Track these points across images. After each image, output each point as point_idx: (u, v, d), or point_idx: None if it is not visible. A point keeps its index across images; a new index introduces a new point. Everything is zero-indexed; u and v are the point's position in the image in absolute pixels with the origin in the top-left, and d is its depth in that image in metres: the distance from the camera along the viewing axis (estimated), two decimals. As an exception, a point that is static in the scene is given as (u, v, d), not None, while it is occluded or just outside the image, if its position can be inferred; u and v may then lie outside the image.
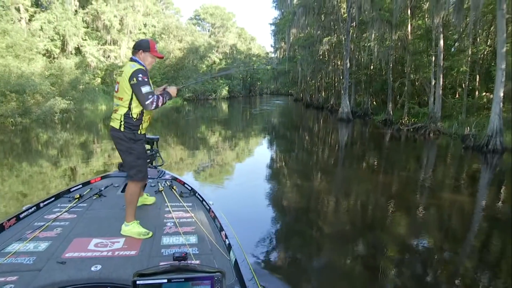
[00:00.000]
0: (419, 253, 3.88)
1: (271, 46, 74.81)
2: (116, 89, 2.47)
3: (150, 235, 2.41)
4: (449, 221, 5.15)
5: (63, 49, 25.99)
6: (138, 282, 1.24)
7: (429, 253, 3.87)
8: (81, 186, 3.55)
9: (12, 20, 21.12)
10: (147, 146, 3.68)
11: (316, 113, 26.85)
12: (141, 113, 2.46)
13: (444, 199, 5.96)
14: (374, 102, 23.11)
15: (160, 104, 2.40)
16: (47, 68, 20.27)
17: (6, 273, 1.75)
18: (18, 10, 22.69)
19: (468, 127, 11.56)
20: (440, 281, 3.29)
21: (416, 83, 18.58)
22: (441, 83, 14.29)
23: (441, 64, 14.15)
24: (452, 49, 16.99)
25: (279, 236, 4.29)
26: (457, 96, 17.49)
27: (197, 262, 1.98)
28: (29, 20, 23.74)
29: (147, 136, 3.49)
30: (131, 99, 2.38)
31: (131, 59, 2.47)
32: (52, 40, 24.54)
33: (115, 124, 2.44)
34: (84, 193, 3.28)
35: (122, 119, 2.41)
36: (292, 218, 5.00)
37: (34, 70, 18.27)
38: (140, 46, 2.48)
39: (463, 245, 4.24)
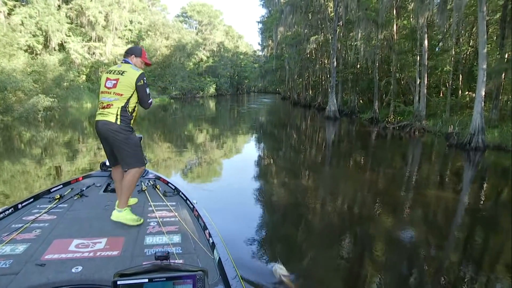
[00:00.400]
0: (404, 248, 3.96)
1: (259, 44, 75.00)
2: (111, 85, 2.59)
3: (141, 221, 2.45)
4: (434, 216, 5.28)
5: (46, 45, 25.34)
6: (118, 282, 1.21)
7: (414, 247, 3.95)
8: (61, 186, 3.47)
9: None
10: None
11: (303, 111, 27.01)
12: (134, 109, 2.67)
13: (429, 195, 6.11)
14: (361, 101, 23.41)
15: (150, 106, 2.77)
16: (29, 65, 19.74)
17: None
18: (-3, 3, 22.00)
19: (452, 125, 11.84)
20: (425, 275, 3.35)
21: (402, 82, 18.91)
22: (425, 82, 14.59)
23: (426, 64, 14.45)
24: (437, 49, 17.36)
25: (264, 234, 4.28)
26: (441, 95, 17.91)
27: (181, 261, 1.97)
28: (8, 14, 22.99)
29: None
30: (131, 96, 2.59)
31: (125, 61, 2.73)
32: (34, 36, 23.87)
33: (110, 118, 2.54)
34: (65, 194, 3.20)
35: (119, 113, 2.55)
36: (277, 216, 5.00)
37: (15, 66, 17.77)
38: (134, 52, 2.79)
39: (447, 239, 4.34)
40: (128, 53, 2.78)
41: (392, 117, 16.32)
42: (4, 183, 6.45)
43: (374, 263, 3.59)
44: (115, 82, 2.58)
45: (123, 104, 2.57)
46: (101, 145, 2.78)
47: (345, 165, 9.01)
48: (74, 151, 9.73)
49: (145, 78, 2.64)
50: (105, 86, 2.62)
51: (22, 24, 23.04)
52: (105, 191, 3.45)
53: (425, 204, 5.62)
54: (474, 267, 3.58)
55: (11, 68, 17.06)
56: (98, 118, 2.60)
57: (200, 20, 53.50)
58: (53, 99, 18.09)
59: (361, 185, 6.80)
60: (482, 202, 5.87)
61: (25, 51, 22.56)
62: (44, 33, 24.55)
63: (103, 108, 2.59)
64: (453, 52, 15.28)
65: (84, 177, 3.82)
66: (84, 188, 3.35)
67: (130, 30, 37.40)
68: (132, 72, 2.60)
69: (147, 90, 2.68)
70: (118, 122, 2.54)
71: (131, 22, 37.21)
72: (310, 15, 23.67)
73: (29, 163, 8.11)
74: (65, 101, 22.13)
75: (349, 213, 5.19)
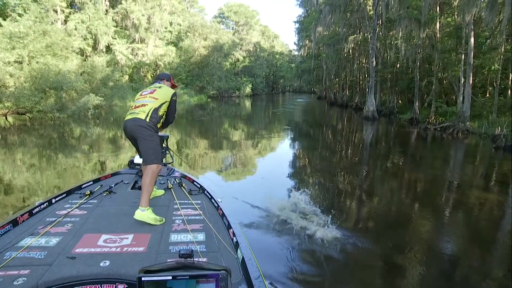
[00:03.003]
0: (445, 254, 3.89)
1: (294, 43, 74.74)
2: (147, 93, 2.95)
3: (163, 221, 2.56)
4: (478, 222, 5.13)
5: (94, 48, 27.13)
6: (143, 278, 1.25)
7: (455, 254, 3.88)
8: (91, 182, 3.59)
9: (51, 22, 22.30)
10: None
11: (340, 111, 26.70)
12: (163, 115, 2.96)
13: (472, 199, 5.97)
14: (400, 101, 22.77)
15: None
16: (81, 66, 21.21)
17: (19, 267, 1.82)
18: (55, 11, 23.90)
19: (500, 127, 11.32)
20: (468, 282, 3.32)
21: (444, 82, 18.20)
22: (470, 81, 13.99)
23: (471, 62, 13.85)
24: (483, 47, 16.53)
25: (290, 235, 4.13)
26: (487, 95, 17.02)
27: (204, 259, 1.99)
28: (65, 20, 24.93)
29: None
30: (163, 103, 2.90)
31: (159, 83, 3.11)
32: (84, 39, 25.66)
33: (141, 115, 2.78)
34: (95, 190, 3.32)
35: (150, 112, 2.80)
36: (308, 219, 4.72)
37: (69, 68, 19.22)
38: (165, 77, 3.22)
39: (491, 246, 4.23)
40: (160, 78, 3.20)
41: (433, 118, 15.79)
42: (57, 173, 7.17)
43: (414, 269, 3.57)
44: (152, 91, 2.94)
45: (156, 106, 2.83)
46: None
47: (385, 166, 8.87)
48: (117, 147, 10.34)
49: (177, 96, 3.06)
50: (141, 95, 2.97)
51: (75, 29, 24.87)
52: (132, 188, 3.54)
53: (469, 209, 5.49)
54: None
55: (66, 69, 18.47)
56: (128, 117, 2.83)
57: (237, 21, 54.28)
58: (101, 98, 19.34)
59: (400, 188, 6.77)
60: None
61: (77, 53, 24.29)
62: (93, 36, 26.29)
63: (136, 107, 2.87)
64: (503, 50, 14.50)
65: (112, 174, 3.96)
66: (113, 185, 3.46)
67: (170, 31, 38.82)
68: (168, 88, 3.01)
69: (176, 106, 3.04)
70: (147, 120, 2.77)
71: (171, 23, 38.56)
72: (348, 14, 23.38)
73: (79, 156, 8.86)
74: (111, 99, 23.49)
75: (386, 217, 5.10)
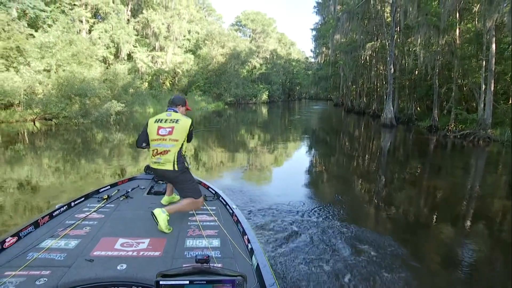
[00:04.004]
0: (464, 266, 3.83)
1: (311, 50, 74.91)
2: (165, 133, 2.86)
3: (171, 230, 2.58)
4: (499, 231, 5.08)
5: (116, 56, 28.06)
6: (161, 282, 1.29)
7: (474, 265, 3.83)
8: (109, 187, 3.70)
9: (76, 32, 23.33)
10: None
11: (357, 118, 26.60)
12: (185, 149, 3.00)
13: (494, 208, 5.93)
14: (418, 108, 22.50)
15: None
16: (104, 74, 22.00)
17: (41, 267, 1.90)
18: (81, 21, 24.96)
19: (522, 134, 11.11)
20: None
21: (464, 88, 17.92)
22: (492, 88, 13.77)
23: (493, 69, 13.64)
24: (506, 53, 16.24)
25: (305, 243, 4.07)
26: (510, 101, 16.66)
27: (219, 265, 2.00)
28: (89, 30, 25.98)
29: None
30: (185, 140, 2.91)
31: (173, 110, 3.03)
32: (107, 48, 26.59)
33: (168, 166, 2.82)
34: (112, 194, 3.42)
35: (176, 159, 2.83)
36: (323, 227, 4.67)
37: (93, 75, 20.00)
38: (180, 102, 3.13)
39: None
40: (175, 103, 3.08)
41: (453, 125, 15.56)
42: (79, 176, 7.49)
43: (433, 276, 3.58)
44: (170, 129, 2.84)
45: (178, 149, 2.84)
46: None
47: (405, 174, 8.79)
48: (137, 151, 10.45)
49: (193, 124, 3.02)
50: (158, 134, 2.86)
51: (99, 38, 25.86)
52: (148, 193, 3.61)
53: (488, 218, 5.45)
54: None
55: (90, 77, 19.23)
56: (155, 166, 2.89)
57: (254, 29, 54.89)
58: (123, 105, 19.99)
59: (419, 195, 6.77)
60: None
61: (100, 61, 25.21)
62: (115, 45, 27.21)
63: (159, 154, 2.85)
64: (526, 56, 14.22)
65: (129, 179, 4.08)
66: (129, 190, 3.56)
67: (188, 39, 39.73)
68: (185, 120, 2.92)
69: (193, 133, 3.04)
70: (176, 168, 2.81)
71: (189, 32, 39.45)
72: (366, 21, 23.40)
73: (100, 160, 9.22)
74: (132, 106, 24.18)
75: (404, 225, 5.08)
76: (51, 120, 16.84)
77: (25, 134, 13.79)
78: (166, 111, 3.00)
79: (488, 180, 8.19)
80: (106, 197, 3.29)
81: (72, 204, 3.07)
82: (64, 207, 2.94)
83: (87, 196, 3.31)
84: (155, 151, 2.86)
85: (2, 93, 14.97)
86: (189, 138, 2.98)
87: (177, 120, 2.88)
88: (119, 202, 3.25)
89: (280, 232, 4.36)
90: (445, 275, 3.60)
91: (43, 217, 2.62)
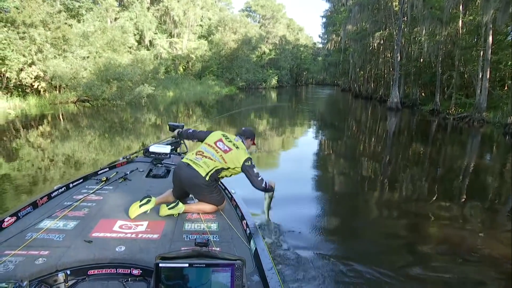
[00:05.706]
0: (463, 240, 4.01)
1: (319, 36, 75.55)
2: (222, 148, 2.75)
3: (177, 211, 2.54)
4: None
5: (139, 43, 29.75)
6: (161, 264, 1.30)
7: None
8: (107, 169, 3.66)
9: (105, 20, 25.08)
10: (172, 133, 3.76)
11: (365, 103, 28.20)
12: (222, 177, 2.84)
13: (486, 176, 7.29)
14: (423, 93, 24.14)
15: (267, 186, 2.82)
16: (134, 60, 23.82)
17: (40, 247, 1.88)
18: (107, 10, 26.60)
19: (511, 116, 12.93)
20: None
21: (465, 76, 19.60)
22: (487, 76, 15.46)
23: (489, 59, 15.30)
24: (503, 44, 17.81)
25: (305, 227, 4.02)
26: (505, 88, 18.37)
27: (218, 249, 1.98)
28: (114, 18, 27.64)
29: (171, 123, 3.92)
30: (227, 169, 2.73)
31: (242, 140, 2.92)
32: (134, 35, 28.30)
33: (201, 171, 2.62)
34: (111, 176, 3.38)
35: (212, 172, 2.65)
36: (325, 209, 4.73)
37: (126, 61, 21.88)
38: (251, 136, 3.04)
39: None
40: (245, 135, 2.98)
41: (453, 109, 17.31)
42: (112, 148, 8.96)
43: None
44: (227, 149, 2.74)
45: (219, 168, 2.68)
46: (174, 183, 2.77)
47: (409, 150, 10.22)
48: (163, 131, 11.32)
49: (252, 160, 2.76)
50: (215, 143, 2.77)
51: (125, 26, 27.49)
52: (147, 176, 3.61)
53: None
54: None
55: (125, 63, 21.12)
56: (189, 162, 2.67)
57: (264, 14, 55.62)
58: (153, 88, 21.90)
59: (424, 162, 8.66)
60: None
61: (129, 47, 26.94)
62: (139, 32, 28.87)
63: (201, 156, 2.71)
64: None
65: (128, 162, 4.03)
66: (128, 172, 3.50)
67: (201, 25, 41.02)
68: (244, 153, 2.76)
69: (255, 170, 2.72)
70: (207, 178, 2.62)
71: (201, 18, 40.71)
72: (375, 11, 24.94)
73: (133, 137, 10.62)
74: (157, 89, 26.02)
75: (408, 201, 5.28)
76: (88, 102, 18.76)
77: (82, 113, 15.86)
78: (235, 135, 2.96)
79: (477, 153, 10.11)
80: (105, 179, 3.26)
81: (71, 185, 3.05)
82: (62, 189, 2.92)
83: (85, 178, 3.29)
84: (200, 152, 2.77)
85: (56, 78, 16.97)
86: (250, 178, 2.74)
87: (238, 147, 2.79)
88: (118, 184, 3.23)
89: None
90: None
91: (41, 198, 2.63)
